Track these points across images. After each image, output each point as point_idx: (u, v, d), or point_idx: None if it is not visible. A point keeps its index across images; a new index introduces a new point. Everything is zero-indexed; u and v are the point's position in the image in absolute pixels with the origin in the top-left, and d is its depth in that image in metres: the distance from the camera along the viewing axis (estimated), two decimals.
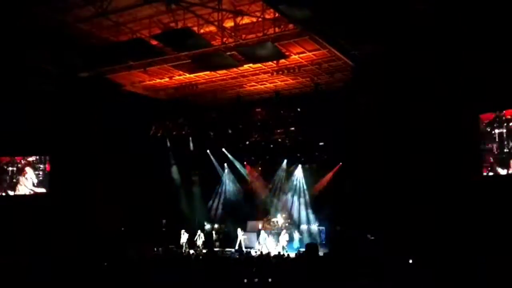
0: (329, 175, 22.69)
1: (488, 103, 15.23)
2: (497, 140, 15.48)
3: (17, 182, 22.68)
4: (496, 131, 15.51)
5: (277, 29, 14.69)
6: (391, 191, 18.19)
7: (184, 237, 22.21)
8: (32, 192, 22.62)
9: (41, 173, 22.76)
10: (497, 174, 15.29)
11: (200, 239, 22.96)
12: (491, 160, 15.46)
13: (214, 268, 8.00)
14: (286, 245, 20.65)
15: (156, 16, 14.78)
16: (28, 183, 22.80)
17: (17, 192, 22.73)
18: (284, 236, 21.25)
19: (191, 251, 19.88)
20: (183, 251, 20.95)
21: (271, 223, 22.75)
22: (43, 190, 22.68)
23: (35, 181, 22.71)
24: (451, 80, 16.00)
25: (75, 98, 22.18)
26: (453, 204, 16.12)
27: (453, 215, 16.14)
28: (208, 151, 25.89)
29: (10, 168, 23.03)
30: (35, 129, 21.97)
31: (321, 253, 14.74)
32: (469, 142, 15.52)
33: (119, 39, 15.89)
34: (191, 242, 22.57)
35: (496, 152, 15.51)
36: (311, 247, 6.72)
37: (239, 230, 22.62)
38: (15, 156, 22.96)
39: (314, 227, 21.92)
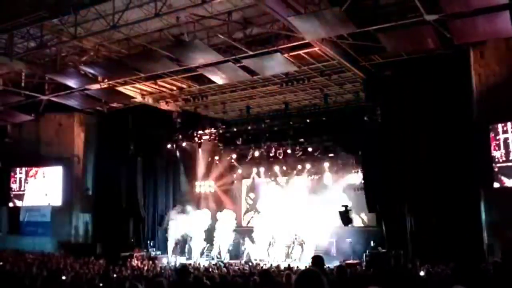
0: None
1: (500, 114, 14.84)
2: (502, 146, 14.40)
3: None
4: (502, 136, 14.48)
5: (286, 41, 14.75)
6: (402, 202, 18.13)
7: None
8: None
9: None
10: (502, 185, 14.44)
11: (208, 250, 22.98)
12: (496, 169, 14.48)
13: None
14: (299, 258, 20.55)
15: (166, 29, 14.90)
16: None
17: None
18: (296, 248, 21.17)
19: (201, 263, 19.76)
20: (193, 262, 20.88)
21: None
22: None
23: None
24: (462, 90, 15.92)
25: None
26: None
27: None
28: (217, 162, 25.92)
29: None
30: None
31: (331, 266, 14.64)
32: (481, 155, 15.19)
33: (129, 52, 16.03)
34: (201, 253, 22.59)
35: (501, 160, 14.44)
36: (318, 259, 6.60)
37: (247, 240, 22.56)
38: (27, 167, 23.24)
39: (325, 239, 21.74)
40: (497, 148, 14.54)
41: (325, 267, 9.31)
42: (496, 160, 14.49)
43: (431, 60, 16.10)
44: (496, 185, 14.49)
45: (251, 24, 14.44)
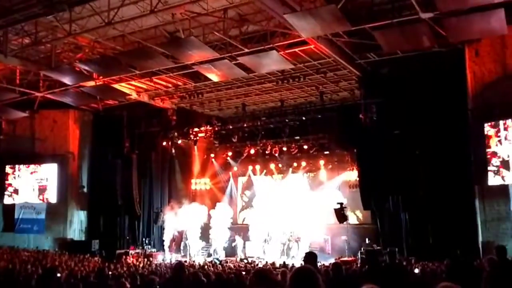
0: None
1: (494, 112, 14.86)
2: (503, 141, 14.50)
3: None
4: (503, 132, 14.59)
5: (282, 38, 14.74)
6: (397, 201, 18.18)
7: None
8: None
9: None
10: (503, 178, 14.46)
11: (204, 247, 22.99)
12: (497, 163, 14.49)
13: None
14: (295, 255, 20.59)
15: (161, 26, 14.86)
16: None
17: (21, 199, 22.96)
18: (292, 246, 21.21)
19: (196, 261, 19.78)
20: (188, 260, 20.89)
21: None
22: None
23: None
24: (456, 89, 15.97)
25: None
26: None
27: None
28: (213, 159, 25.93)
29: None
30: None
31: (326, 263, 14.69)
32: (475, 151, 15.25)
33: (125, 49, 15.98)
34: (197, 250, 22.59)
35: (503, 156, 14.47)
36: (310, 256, 6.59)
37: (237, 237, 22.63)
38: (21, 164, 23.13)
39: (320, 236, 21.80)
40: (498, 144, 14.57)
41: (318, 264, 9.31)
42: (498, 155, 14.51)
43: (426, 58, 16.13)
44: (497, 179, 14.45)
45: (247, 21, 14.42)
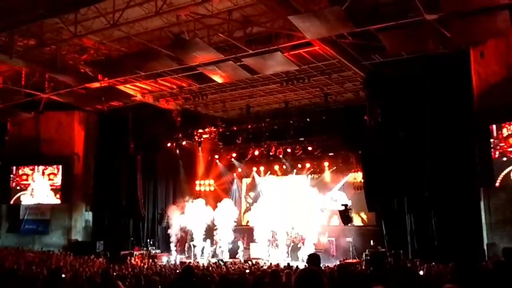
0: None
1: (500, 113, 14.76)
2: None
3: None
4: None
5: (286, 39, 14.73)
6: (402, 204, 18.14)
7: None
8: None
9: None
10: None
11: (209, 248, 22.98)
12: None
13: None
14: (300, 257, 20.57)
15: (166, 27, 14.89)
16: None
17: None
18: (296, 247, 21.20)
19: (200, 262, 19.79)
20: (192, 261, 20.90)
21: None
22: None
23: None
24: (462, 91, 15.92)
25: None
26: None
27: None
28: (217, 160, 25.94)
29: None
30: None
31: (331, 265, 14.66)
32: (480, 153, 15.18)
33: (130, 50, 16.02)
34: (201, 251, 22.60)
35: None
36: (314, 258, 6.59)
37: (247, 239, 22.60)
38: (31, 165, 23.25)
39: (324, 238, 21.78)
40: None
41: (323, 266, 9.28)
42: None
43: (431, 60, 16.09)
44: None
45: (252, 23, 14.42)
